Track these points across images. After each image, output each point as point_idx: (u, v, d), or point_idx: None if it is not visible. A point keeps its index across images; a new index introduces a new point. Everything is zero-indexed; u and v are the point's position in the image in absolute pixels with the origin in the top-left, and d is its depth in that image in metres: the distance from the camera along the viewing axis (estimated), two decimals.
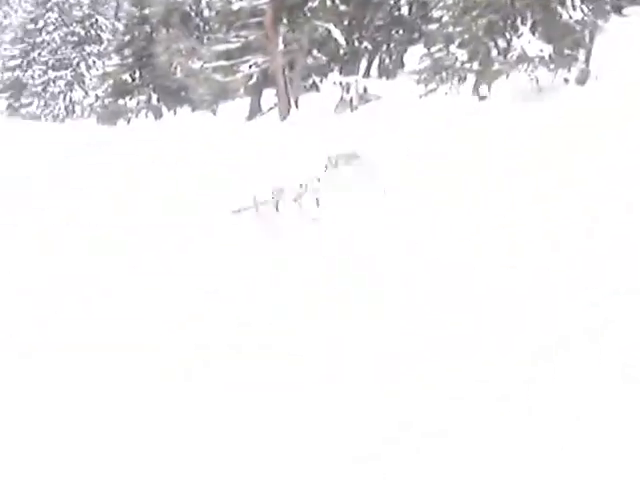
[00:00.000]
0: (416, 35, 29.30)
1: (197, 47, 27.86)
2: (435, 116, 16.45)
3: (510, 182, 7.89)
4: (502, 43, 17.76)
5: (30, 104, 58.80)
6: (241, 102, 30.77)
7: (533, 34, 17.26)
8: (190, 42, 30.01)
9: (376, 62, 33.38)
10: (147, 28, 40.76)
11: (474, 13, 18.07)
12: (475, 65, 18.10)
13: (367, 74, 32.29)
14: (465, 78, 18.54)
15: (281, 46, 23.16)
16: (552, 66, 17.05)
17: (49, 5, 61.74)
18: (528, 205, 7.35)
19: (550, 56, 16.83)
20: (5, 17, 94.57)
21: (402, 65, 32.11)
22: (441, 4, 19.79)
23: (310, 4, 23.86)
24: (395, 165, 10.12)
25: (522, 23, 17.44)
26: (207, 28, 31.58)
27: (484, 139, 10.91)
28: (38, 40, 61.04)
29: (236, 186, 10.90)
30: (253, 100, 28.92)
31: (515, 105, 15.57)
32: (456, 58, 18.20)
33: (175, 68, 34.16)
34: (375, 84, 25.03)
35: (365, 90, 21.66)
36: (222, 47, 24.53)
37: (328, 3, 24.22)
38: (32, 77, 59.99)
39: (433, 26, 20.01)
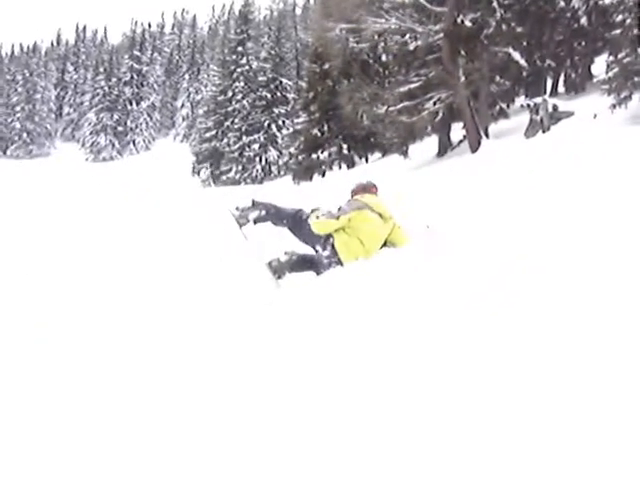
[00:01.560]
0: (600, 44, 28.43)
1: (379, 92, 28.25)
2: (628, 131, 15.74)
3: None
4: None
5: (229, 170, 61.88)
6: (430, 140, 30.93)
7: None
8: (372, 88, 30.51)
9: (562, 78, 32.61)
10: (329, 82, 42.23)
11: None
12: None
13: (554, 92, 31.61)
14: None
15: (462, 78, 23.05)
16: None
17: (235, 75, 65.40)
18: None
19: None
20: (197, 92, 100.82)
21: (590, 77, 31.20)
22: (621, 7, 19.10)
23: (485, 31, 23.65)
24: None
25: None
26: (387, 72, 31.99)
27: None
28: (229, 109, 64.56)
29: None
30: (442, 136, 29.02)
31: None
32: None
33: (361, 116, 34.95)
34: (565, 100, 24.44)
35: (555, 108, 21.14)
36: (404, 88, 24.73)
37: (504, 27, 23.95)
38: (228, 144, 63.23)
39: (617, 31, 19.30)
